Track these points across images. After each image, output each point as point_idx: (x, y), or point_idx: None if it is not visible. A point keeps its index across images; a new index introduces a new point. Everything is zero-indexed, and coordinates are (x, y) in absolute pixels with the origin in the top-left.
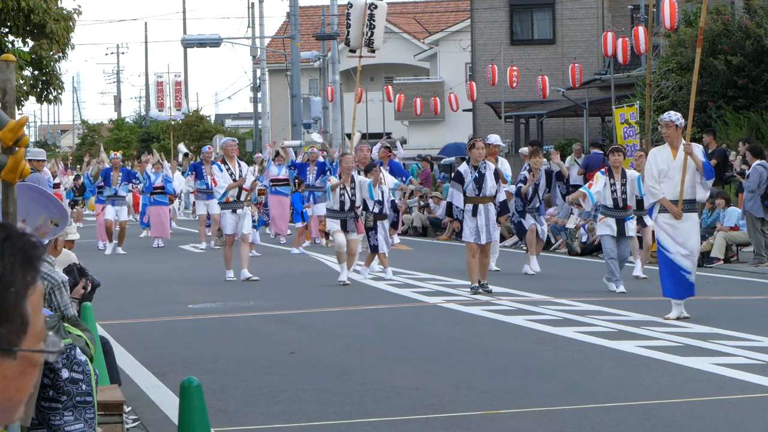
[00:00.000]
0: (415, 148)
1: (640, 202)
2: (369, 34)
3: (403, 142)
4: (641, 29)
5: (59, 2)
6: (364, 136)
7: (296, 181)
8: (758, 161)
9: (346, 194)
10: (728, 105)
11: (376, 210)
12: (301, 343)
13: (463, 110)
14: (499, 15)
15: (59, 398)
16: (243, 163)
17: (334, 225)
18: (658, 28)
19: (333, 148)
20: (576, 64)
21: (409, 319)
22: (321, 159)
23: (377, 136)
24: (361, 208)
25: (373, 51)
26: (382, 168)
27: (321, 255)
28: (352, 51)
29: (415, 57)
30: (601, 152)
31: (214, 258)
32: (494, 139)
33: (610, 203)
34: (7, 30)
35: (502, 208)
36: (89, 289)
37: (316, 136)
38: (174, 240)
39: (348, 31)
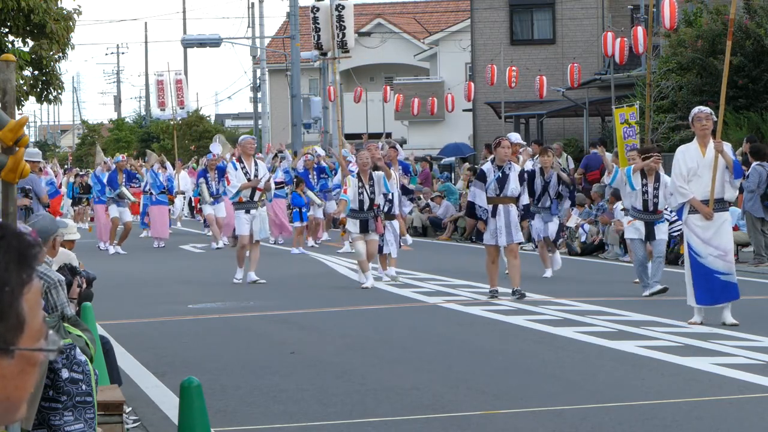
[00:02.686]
0: (415, 148)
1: (645, 203)
2: (341, 35)
3: (403, 142)
4: (641, 29)
5: (59, 2)
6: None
7: (294, 180)
8: (756, 162)
9: (365, 192)
10: (728, 105)
11: (386, 209)
12: (301, 343)
13: (463, 110)
14: (499, 15)
15: (59, 398)
16: (260, 162)
17: (354, 229)
18: (658, 28)
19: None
20: (576, 64)
21: (409, 319)
22: (322, 163)
23: (377, 136)
24: (380, 205)
25: (347, 51)
26: (392, 169)
27: (321, 255)
28: (324, 54)
29: (415, 57)
30: None
31: (214, 258)
32: (515, 137)
33: (639, 205)
34: (7, 30)
35: (525, 212)
36: (84, 285)
37: (320, 149)
38: (174, 240)
39: (318, 35)
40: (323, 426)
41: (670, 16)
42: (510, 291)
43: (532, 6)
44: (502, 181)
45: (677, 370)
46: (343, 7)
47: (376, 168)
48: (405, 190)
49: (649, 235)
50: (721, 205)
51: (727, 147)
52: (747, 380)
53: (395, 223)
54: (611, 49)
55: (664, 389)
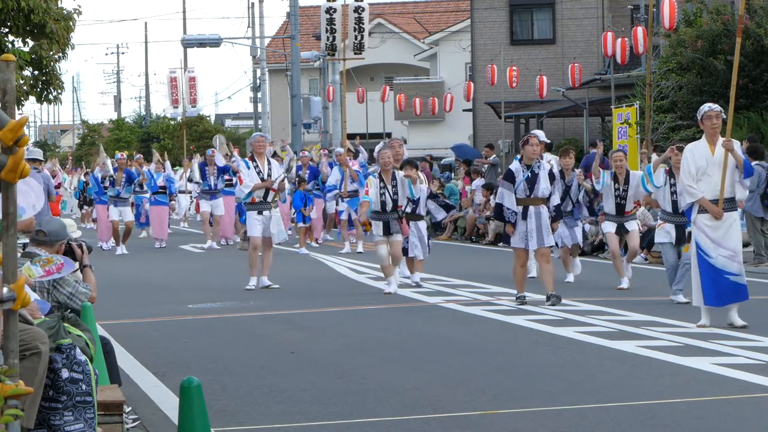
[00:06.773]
0: (416, 147)
1: (620, 207)
2: (359, 37)
3: (404, 142)
4: (641, 29)
5: (59, 2)
6: (363, 137)
7: (296, 179)
8: (755, 161)
9: (387, 193)
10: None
11: (409, 210)
12: (301, 343)
13: (463, 110)
14: (499, 15)
15: (59, 398)
16: (273, 161)
17: (377, 232)
18: (658, 28)
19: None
20: (576, 64)
21: (409, 319)
22: (312, 163)
23: (377, 136)
24: (404, 207)
25: (360, 53)
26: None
27: (321, 255)
28: (331, 54)
29: (415, 57)
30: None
31: (214, 258)
32: (539, 135)
33: (669, 207)
34: (7, 30)
35: (557, 213)
36: (84, 247)
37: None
38: (174, 240)
39: (333, 36)
40: (323, 426)
41: (670, 16)
42: (544, 297)
43: (532, 6)
44: (532, 181)
45: (677, 370)
46: (363, 9)
47: (404, 165)
48: (431, 196)
49: (680, 239)
50: (731, 204)
51: (737, 145)
52: (747, 380)
53: (421, 224)
54: (611, 49)
55: (664, 389)
